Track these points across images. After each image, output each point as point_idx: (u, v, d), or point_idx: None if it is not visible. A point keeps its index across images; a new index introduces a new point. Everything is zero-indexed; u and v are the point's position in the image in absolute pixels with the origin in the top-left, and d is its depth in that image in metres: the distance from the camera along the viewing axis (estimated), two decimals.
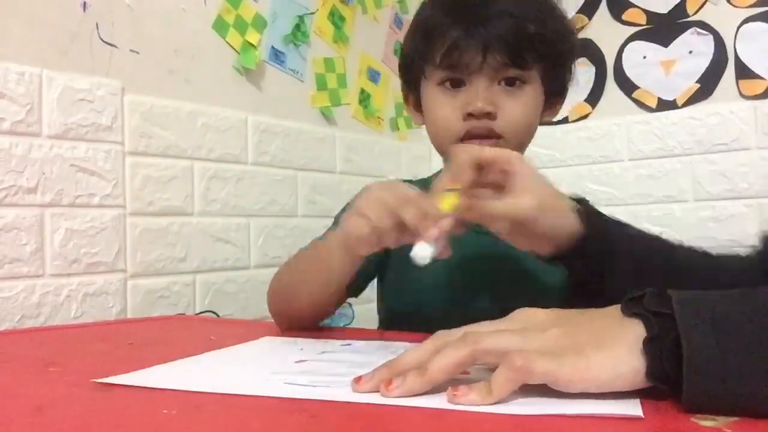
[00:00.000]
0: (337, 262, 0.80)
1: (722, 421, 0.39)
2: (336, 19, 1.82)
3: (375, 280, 1.04)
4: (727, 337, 0.40)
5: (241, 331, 0.93)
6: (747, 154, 1.68)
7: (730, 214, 1.70)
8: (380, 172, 1.94)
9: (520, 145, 0.88)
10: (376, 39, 1.99)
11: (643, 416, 0.40)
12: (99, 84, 1.23)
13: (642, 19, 1.82)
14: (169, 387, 0.51)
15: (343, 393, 0.47)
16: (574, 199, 0.72)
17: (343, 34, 1.84)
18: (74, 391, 0.53)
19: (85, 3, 1.22)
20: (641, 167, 1.81)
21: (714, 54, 1.72)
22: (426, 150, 2.15)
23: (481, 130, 0.84)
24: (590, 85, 1.88)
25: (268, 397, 0.48)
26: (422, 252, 0.60)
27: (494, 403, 0.43)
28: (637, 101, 1.83)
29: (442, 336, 0.50)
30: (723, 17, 1.71)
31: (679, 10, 1.77)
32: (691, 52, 1.75)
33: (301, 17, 1.70)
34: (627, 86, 1.83)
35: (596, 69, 1.87)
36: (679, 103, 1.77)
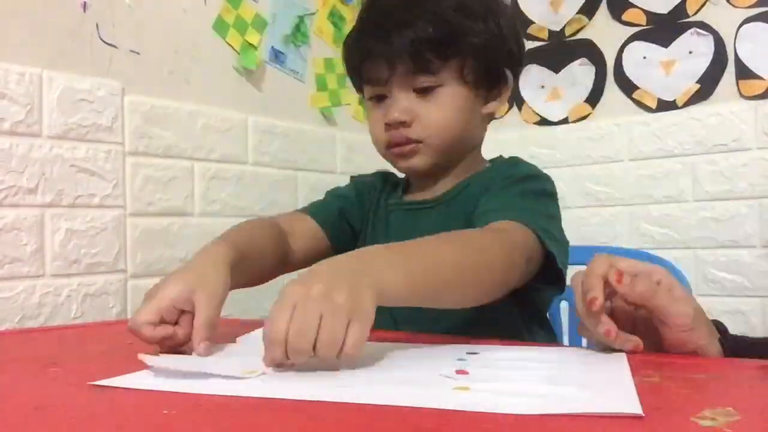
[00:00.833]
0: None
1: (721, 421, 0.39)
2: (336, 19, 1.82)
3: None
4: None
5: (241, 331, 0.93)
6: (747, 154, 1.68)
7: (731, 215, 1.69)
8: None
9: (446, 145, 0.91)
10: None
11: (643, 415, 0.40)
12: (99, 84, 1.23)
13: (642, 20, 1.82)
14: (161, 389, 0.51)
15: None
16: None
17: (343, 35, 1.83)
18: (74, 391, 0.53)
19: (85, 3, 1.22)
20: (641, 167, 1.81)
21: (714, 54, 1.72)
22: None
23: (399, 138, 0.90)
24: (590, 85, 1.88)
25: (268, 398, 0.48)
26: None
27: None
28: (637, 101, 1.83)
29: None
30: (723, 17, 1.71)
31: (679, 10, 1.77)
32: (691, 52, 1.75)
33: (301, 17, 1.70)
34: (627, 86, 1.83)
35: (596, 69, 1.87)
36: (679, 103, 1.77)
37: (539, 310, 0.95)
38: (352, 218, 1.06)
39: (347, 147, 1.83)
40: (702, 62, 1.74)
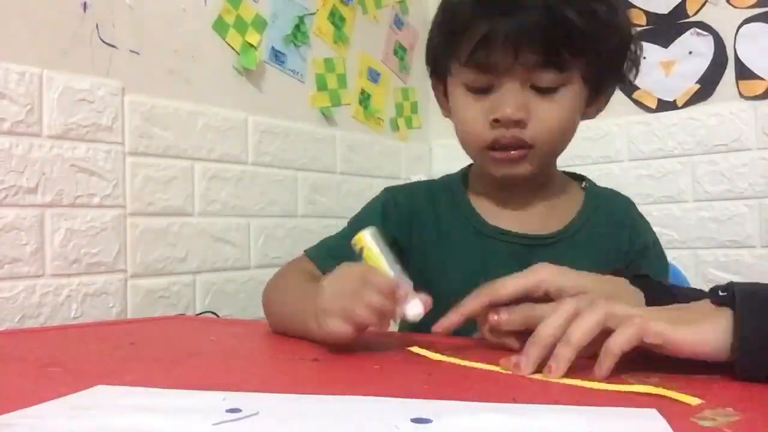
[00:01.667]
0: (313, 337, 0.70)
1: (721, 421, 0.39)
2: (336, 19, 1.82)
3: None
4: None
5: (241, 331, 0.93)
6: (747, 154, 1.68)
7: (730, 215, 1.69)
8: (380, 173, 1.94)
9: (553, 153, 0.83)
10: (376, 39, 1.99)
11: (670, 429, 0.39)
12: (99, 84, 1.23)
13: (642, 20, 1.82)
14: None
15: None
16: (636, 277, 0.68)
17: (343, 35, 1.84)
18: (74, 391, 0.53)
19: (85, 3, 1.22)
20: (641, 168, 1.81)
21: (714, 54, 1.72)
22: (426, 150, 2.15)
23: (510, 140, 0.78)
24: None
25: None
26: (414, 309, 0.63)
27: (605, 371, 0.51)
28: (637, 102, 1.83)
29: (565, 305, 0.56)
30: (723, 18, 1.71)
31: (679, 10, 1.77)
32: (691, 52, 1.75)
33: (301, 18, 1.70)
34: (627, 87, 1.83)
35: None
36: (679, 103, 1.77)
37: None
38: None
39: (347, 147, 1.83)
40: (702, 62, 1.74)
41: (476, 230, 0.87)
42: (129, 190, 1.28)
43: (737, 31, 1.69)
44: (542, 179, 0.87)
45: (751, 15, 1.68)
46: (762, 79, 1.67)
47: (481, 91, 0.79)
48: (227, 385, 0.52)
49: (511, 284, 0.64)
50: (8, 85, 1.10)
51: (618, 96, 1.83)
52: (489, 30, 0.74)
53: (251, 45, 1.55)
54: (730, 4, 1.70)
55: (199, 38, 1.44)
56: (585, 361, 0.53)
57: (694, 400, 0.44)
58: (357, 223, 0.90)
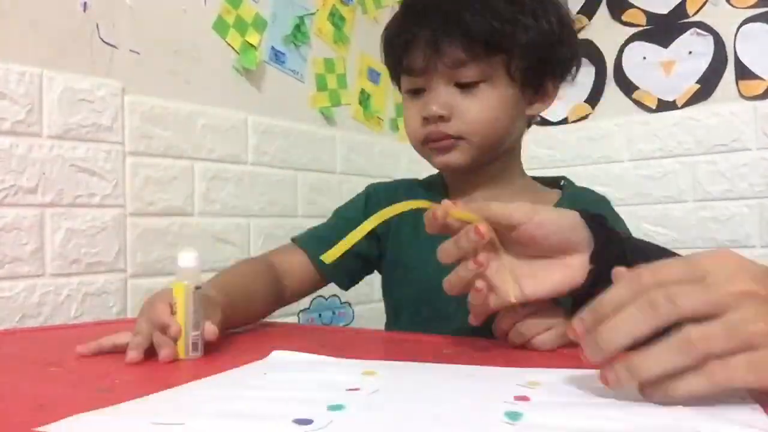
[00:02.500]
0: None
1: None
2: (336, 19, 1.82)
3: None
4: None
5: (241, 331, 0.93)
6: (747, 154, 1.68)
7: (731, 215, 1.69)
8: (380, 172, 1.94)
9: (486, 143, 0.87)
10: (376, 39, 1.96)
11: None
12: (99, 84, 1.23)
13: (642, 20, 1.82)
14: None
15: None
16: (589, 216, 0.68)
17: (343, 35, 1.84)
18: (74, 391, 0.53)
19: (85, 3, 1.22)
20: (641, 167, 1.81)
21: (714, 55, 1.72)
22: None
23: (437, 134, 0.86)
24: (590, 85, 1.88)
25: None
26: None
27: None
28: (637, 102, 1.83)
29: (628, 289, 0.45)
30: (723, 18, 1.71)
31: (679, 10, 1.77)
32: (691, 52, 1.75)
33: (301, 18, 1.70)
34: (627, 87, 1.83)
35: (596, 69, 1.87)
36: (679, 103, 1.77)
37: None
38: (360, 245, 0.92)
39: (347, 147, 1.83)
40: (702, 62, 1.74)
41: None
42: (129, 190, 1.28)
43: (737, 31, 1.69)
44: (496, 171, 0.91)
45: (751, 15, 1.68)
46: (762, 79, 1.67)
47: (417, 93, 0.88)
48: (228, 384, 0.52)
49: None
50: (8, 85, 1.10)
51: (618, 96, 1.84)
52: (409, 36, 0.85)
53: (251, 45, 1.55)
54: (730, 4, 1.70)
55: (199, 38, 1.44)
56: None
57: None
58: (342, 212, 1.07)
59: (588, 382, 0.48)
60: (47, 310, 1.14)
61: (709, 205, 1.72)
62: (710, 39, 1.73)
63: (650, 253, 0.65)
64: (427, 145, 0.89)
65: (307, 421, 0.41)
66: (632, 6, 1.83)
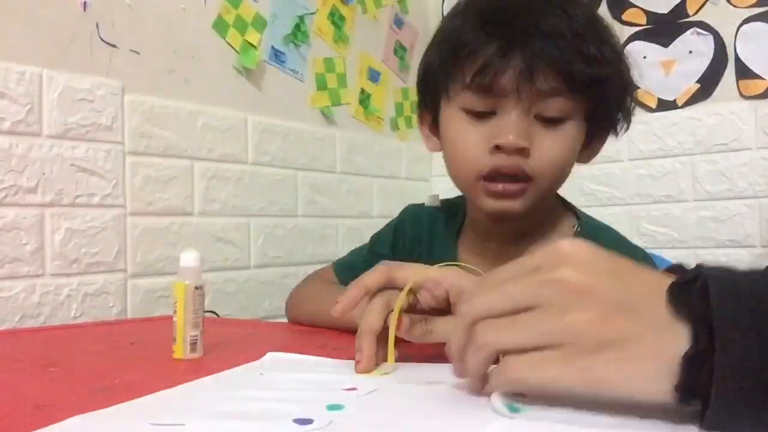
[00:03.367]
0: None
1: None
2: (336, 18, 1.82)
3: None
4: None
5: (241, 331, 0.93)
6: (747, 154, 1.68)
7: (731, 214, 1.69)
8: (380, 172, 1.94)
9: (550, 189, 0.77)
10: (376, 39, 1.99)
11: None
12: (99, 84, 1.23)
13: (642, 19, 1.82)
14: None
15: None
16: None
17: (343, 34, 1.84)
18: (74, 391, 0.53)
19: (85, 3, 1.22)
20: (641, 167, 1.81)
21: (714, 54, 1.72)
22: (426, 150, 2.15)
23: (511, 168, 0.72)
24: None
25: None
26: None
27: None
28: (637, 101, 1.83)
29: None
30: (723, 17, 1.71)
31: (680, 10, 1.77)
32: (691, 52, 1.75)
33: (301, 17, 1.70)
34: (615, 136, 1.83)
35: None
36: (679, 103, 1.77)
37: None
38: None
39: (347, 147, 1.83)
40: (702, 62, 1.74)
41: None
42: (129, 190, 1.28)
43: (737, 30, 1.69)
44: (533, 220, 0.80)
45: (751, 14, 1.68)
46: (762, 78, 1.67)
47: (482, 116, 0.74)
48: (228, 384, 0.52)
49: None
50: (8, 85, 1.10)
51: None
52: (497, 53, 0.70)
53: (251, 44, 1.55)
54: (731, 4, 1.70)
55: (199, 38, 1.44)
56: None
57: None
58: (375, 240, 1.02)
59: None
60: (47, 310, 1.14)
61: (709, 204, 1.72)
62: (710, 38, 1.73)
63: None
64: (485, 183, 0.74)
65: (307, 421, 0.41)
66: (632, 5, 1.83)
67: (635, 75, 0.82)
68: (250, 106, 1.55)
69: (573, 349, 0.38)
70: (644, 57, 1.82)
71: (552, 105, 0.72)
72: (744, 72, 1.69)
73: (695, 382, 0.35)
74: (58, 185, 1.16)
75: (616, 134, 0.82)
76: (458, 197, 0.92)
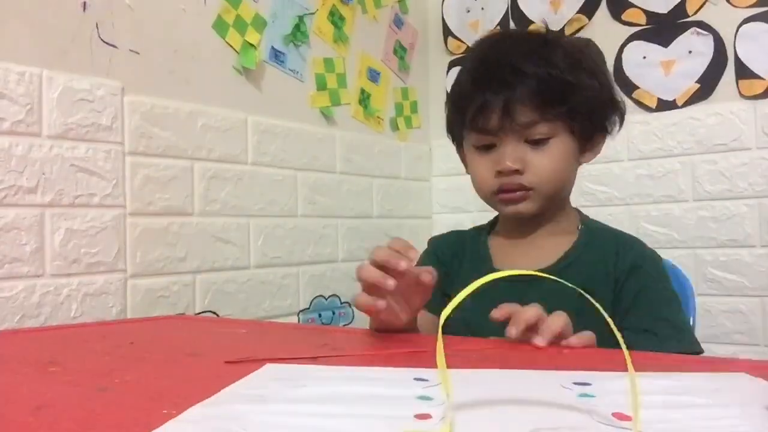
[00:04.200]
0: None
1: None
2: (336, 19, 1.82)
3: None
4: None
5: (242, 331, 0.93)
6: (747, 154, 1.68)
7: (730, 214, 1.69)
8: (380, 172, 1.94)
9: (553, 193, 0.95)
10: (376, 39, 1.99)
11: None
12: (99, 84, 1.23)
13: (642, 19, 1.82)
14: None
15: None
16: None
17: (343, 34, 1.84)
18: (74, 391, 0.53)
19: (85, 3, 1.22)
20: (641, 167, 1.81)
21: (714, 54, 1.72)
22: (426, 150, 2.15)
23: (512, 185, 0.93)
24: None
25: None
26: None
27: None
28: (636, 101, 1.83)
29: None
30: (723, 17, 1.71)
31: (679, 10, 1.77)
32: (690, 52, 1.75)
33: (300, 17, 1.70)
34: (627, 86, 1.83)
35: None
36: (679, 103, 1.77)
37: None
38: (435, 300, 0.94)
39: (347, 147, 1.83)
40: (702, 62, 1.74)
41: (484, 271, 0.88)
42: (129, 190, 1.28)
43: (737, 30, 1.69)
44: (551, 215, 0.99)
45: (751, 14, 1.68)
46: (762, 78, 1.67)
47: (486, 148, 0.95)
48: (228, 384, 0.52)
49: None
50: (8, 85, 1.10)
51: (618, 95, 1.84)
52: (484, 101, 0.91)
53: (251, 45, 1.55)
54: (730, 4, 1.70)
55: (199, 38, 1.44)
56: None
57: None
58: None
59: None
60: (47, 311, 1.14)
61: (709, 204, 1.72)
62: (710, 38, 1.73)
63: None
64: (497, 196, 0.96)
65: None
66: (632, 5, 1.83)
67: (620, 93, 1.01)
68: (250, 106, 1.56)
69: None
70: (644, 57, 1.82)
71: (536, 130, 0.91)
72: (744, 72, 1.69)
73: None
74: (58, 185, 1.16)
75: (609, 135, 1.00)
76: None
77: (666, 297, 0.92)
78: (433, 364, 0.37)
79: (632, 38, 1.83)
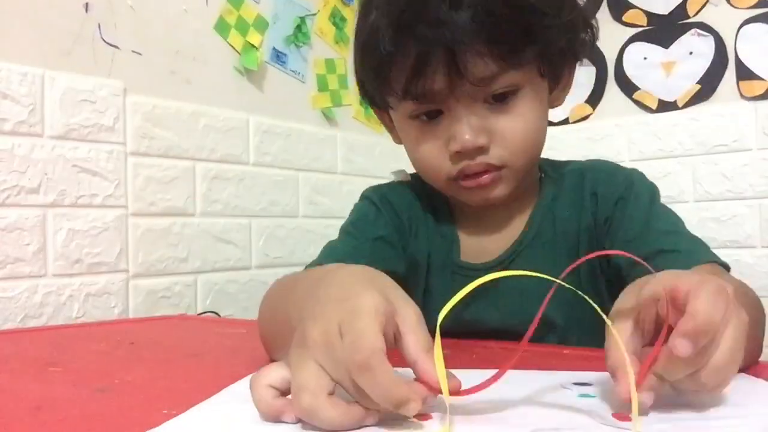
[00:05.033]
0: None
1: None
2: (337, 19, 1.82)
3: None
4: None
5: (243, 331, 0.93)
6: (747, 154, 1.68)
7: (731, 215, 1.69)
8: (381, 173, 1.94)
9: (528, 166, 0.71)
10: None
11: None
12: (101, 85, 1.24)
13: (642, 20, 1.82)
14: None
15: None
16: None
17: (344, 35, 1.84)
18: (74, 391, 0.53)
19: (87, 4, 1.22)
20: (642, 168, 1.79)
21: (714, 55, 1.72)
22: None
23: (477, 167, 0.67)
24: (591, 85, 1.88)
25: None
26: None
27: None
28: (637, 102, 1.83)
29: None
30: (723, 18, 1.71)
31: (680, 11, 1.77)
32: (691, 53, 1.75)
33: (302, 18, 1.70)
34: (628, 87, 1.83)
35: (597, 70, 1.87)
36: (680, 104, 1.77)
37: None
38: (396, 263, 0.76)
39: (348, 147, 1.84)
40: (702, 63, 1.74)
41: (452, 261, 0.78)
42: (131, 191, 1.28)
43: (738, 31, 1.69)
44: (521, 190, 0.75)
45: (751, 15, 1.68)
46: (762, 79, 1.67)
47: (431, 116, 0.68)
48: (228, 385, 0.52)
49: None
50: (11, 86, 1.10)
51: (619, 96, 1.84)
52: (420, 54, 0.62)
53: (252, 45, 1.55)
54: (731, 5, 1.70)
55: (201, 39, 1.45)
56: None
57: None
58: (359, 231, 0.78)
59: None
60: (49, 311, 1.14)
61: (709, 205, 1.72)
62: (711, 39, 1.73)
63: None
64: (458, 183, 0.70)
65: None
66: (633, 6, 1.83)
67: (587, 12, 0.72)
68: (252, 107, 1.56)
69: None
70: (645, 58, 1.82)
71: (496, 84, 0.64)
72: (744, 73, 1.69)
73: None
74: (60, 186, 1.16)
75: (580, 59, 0.73)
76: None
77: (664, 212, 0.72)
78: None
79: (633, 39, 1.83)
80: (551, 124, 1.87)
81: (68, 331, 0.99)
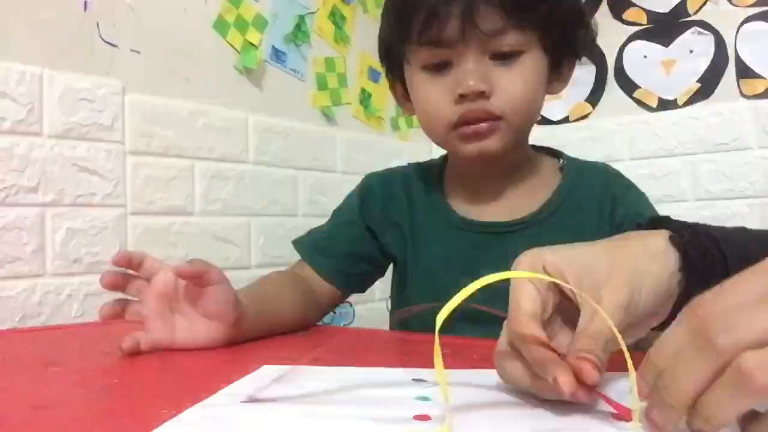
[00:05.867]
0: None
1: None
2: (337, 18, 1.82)
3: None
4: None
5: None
6: (748, 153, 1.68)
7: (731, 214, 1.69)
8: None
9: (523, 125, 0.80)
10: (376, 38, 1.98)
11: None
12: (100, 84, 1.23)
13: (643, 19, 1.82)
14: None
15: None
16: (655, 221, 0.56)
17: (343, 34, 1.84)
18: (74, 391, 0.53)
19: (86, 2, 1.22)
20: (642, 167, 1.81)
21: (715, 53, 1.72)
22: (427, 149, 2.15)
23: (477, 112, 0.75)
24: (591, 84, 1.88)
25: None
26: None
27: None
28: (637, 101, 1.83)
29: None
30: (724, 17, 1.71)
31: (680, 9, 1.77)
32: (691, 51, 1.75)
33: (301, 17, 1.70)
34: (628, 86, 1.83)
35: (597, 68, 1.87)
36: (680, 102, 1.77)
37: None
38: (358, 247, 0.93)
39: (348, 146, 1.83)
40: (703, 61, 1.74)
41: (444, 220, 0.88)
42: (130, 190, 1.28)
43: (738, 30, 1.69)
44: (514, 159, 0.84)
45: (751, 14, 1.68)
46: (763, 78, 1.66)
47: (441, 68, 0.77)
48: (228, 384, 0.52)
49: (523, 318, 0.45)
50: (9, 85, 1.10)
51: (619, 95, 1.84)
52: (438, 4, 0.73)
53: (252, 44, 1.55)
54: (731, 3, 1.70)
55: (200, 37, 1.44)
56: None
57: None
58: (339, 217, 0.97)
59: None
60: (48, 310, 1.14)
61: (710, 204, 1.72)
62: (711, 38, 1.73)
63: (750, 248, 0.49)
64: (457, 130, 0.77)
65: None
66: (633, 5, 1.83)
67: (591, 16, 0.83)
68: (251, 105, 1.56)
69: None
70: (645, 56, 1.82)
71: (503, 41, 0.74)
72: (745, 71, 1.69)
73: None
74: (59, 185, 1.16)
75: (579, 58, 0.84)
76: (428, 161, 0.98)
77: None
78: (431, 365, 0.37)
79: (633, 38, 1.83)
80: (551, 122, 1.87)
81: (68, 330, 0.98)
